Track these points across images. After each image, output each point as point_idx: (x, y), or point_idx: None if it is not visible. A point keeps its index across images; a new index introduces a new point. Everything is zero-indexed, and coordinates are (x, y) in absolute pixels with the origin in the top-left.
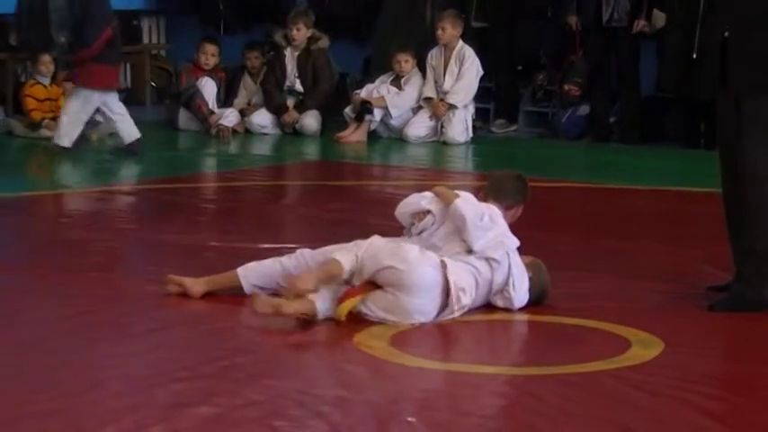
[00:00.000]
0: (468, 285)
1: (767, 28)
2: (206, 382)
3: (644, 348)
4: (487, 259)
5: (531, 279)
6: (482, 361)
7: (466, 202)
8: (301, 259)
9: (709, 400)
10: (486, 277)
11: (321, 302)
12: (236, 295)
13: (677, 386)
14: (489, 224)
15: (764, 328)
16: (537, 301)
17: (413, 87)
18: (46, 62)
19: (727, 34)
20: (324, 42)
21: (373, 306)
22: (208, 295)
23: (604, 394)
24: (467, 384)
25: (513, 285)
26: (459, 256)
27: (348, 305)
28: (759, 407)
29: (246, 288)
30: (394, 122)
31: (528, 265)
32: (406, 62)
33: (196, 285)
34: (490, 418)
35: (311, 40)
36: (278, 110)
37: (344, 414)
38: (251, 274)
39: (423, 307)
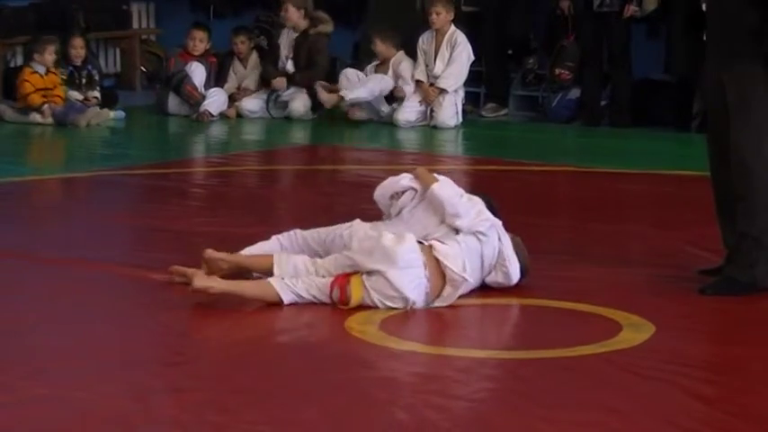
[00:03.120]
0: (460, 264)
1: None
2: (198, 367)
3: (635, 332)
4: (474, 233)
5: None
6: (473, 345)
7: (443, 185)
8: (293, 237)
9: (699, 383)
10: (476, 250)
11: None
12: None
13: (668, 369)
14: (469, 203)
15: (755, 311)
16: (521, 278)
17: (375, 80)
18: (51, 51)
19: (704, 8)
20: (325, 27)
21: (371, 291)
22: None
23: (595, 378)
24: (457, 368)
25: (510, 261)
26: (449, 235)
27: (356, 290)
28: (750, 390)
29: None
30: (384, 110)
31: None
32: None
33: (200, 275)
34: (481, 401)
35: (311, 23)
36: (268, 80)
37: (336, 398)
38: (253, 252)
39: (410, 283)
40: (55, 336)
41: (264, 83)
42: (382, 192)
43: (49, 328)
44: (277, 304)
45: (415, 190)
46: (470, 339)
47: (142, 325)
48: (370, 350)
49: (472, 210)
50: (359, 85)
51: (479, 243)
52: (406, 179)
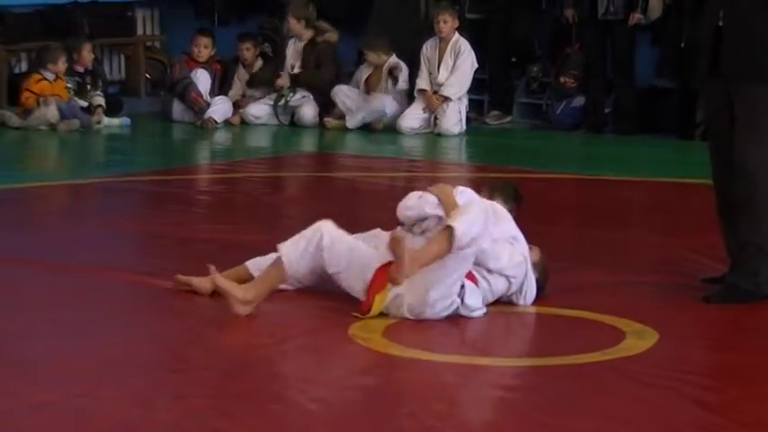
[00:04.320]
0: (479, 301)
1: (761, 16)
2: (200, 373)
3: (638, 339)
4: (507, 277)
5: (537, 280)
6: (476, 352)
7: (467, 224)
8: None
9: (703, 390)
10: (499, 291)
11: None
12: None
13: (672, 377)
14: (505, 248)
15: (758, 319)
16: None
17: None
18: (64, 60)
19: (721, 24)
20: (331, 36)
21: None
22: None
23: (599, 385)
24: (461, 376)
25: (525, 296)
26: (476, 268)
27: (379, 302)
28: (754, 397)
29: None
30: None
31: (534, 264)
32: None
33: (204, 283)
34: (484, 409)
35: (318, 32)
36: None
37: (338, 405)
38: (262, 264)
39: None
40: (58, 342)
41: (270, 84)
42: (406, 214)
43: (52, 335)
44: (283, 311)
45: (440, 217)
46: (473, 347)
47: (145, 331)
48: (374, 357)
49: (503, 253)
50: (361, 110)
51: (508, 286)
52: (430, 205)
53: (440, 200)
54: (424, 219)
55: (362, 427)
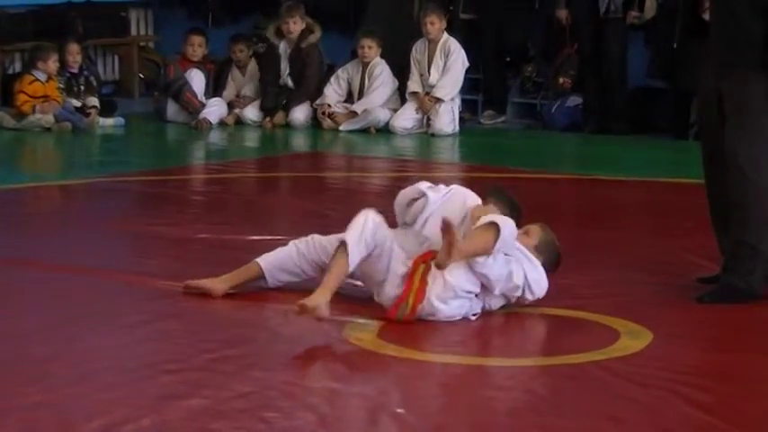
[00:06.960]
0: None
1: (741, 6)
2: (195, 374)
3: (633, 339)
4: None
5: (543, 263)
6: (470, 352)
7: (507, 225)
8: (310, 243)
9: (698, 390)
10: (496, 305)
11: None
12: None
13: (666, 377)
14: (504, 268)
15: (752, 319)
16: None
17: (383, 85)
18: (55, 59)
19: (706, 17)
20: (315, 37)
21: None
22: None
23: (593, 385)
24: (455, 376)
25: (532, 292)
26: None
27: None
28: (748, 397)
29: (268, 277)
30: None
31: (536, 248)
32: (369, 48)
33: (216, 284)
34: (478, 409)
35: (302, 35)
36: (269, 111)
37: (333, 406)
38: (270, 259)
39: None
40: (53, 342)
41: (263, 106)
42: (401, 200)
43: (47, 335)
44: (279, 311)
45: (428, 198)
46: (468, 347)
47: (140, 332)
48: (369, 357)
49: (504, 270)
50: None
51: (504, 300)
52: (424, 185)
53: (473, 215)
54: (415, 198)
55: (355, 428)
